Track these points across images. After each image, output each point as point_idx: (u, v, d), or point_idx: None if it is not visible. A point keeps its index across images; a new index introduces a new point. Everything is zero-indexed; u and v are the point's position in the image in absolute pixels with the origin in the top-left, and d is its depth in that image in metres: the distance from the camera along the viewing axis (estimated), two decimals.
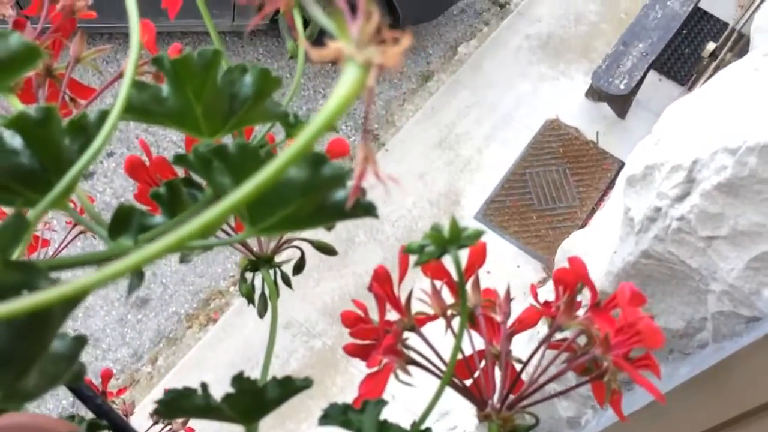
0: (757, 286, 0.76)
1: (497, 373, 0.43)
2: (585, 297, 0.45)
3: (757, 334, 0.77)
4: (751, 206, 0.73)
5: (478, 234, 0.36)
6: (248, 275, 0.56)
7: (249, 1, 0.24)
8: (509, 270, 3.38)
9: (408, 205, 3.54)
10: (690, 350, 0.94)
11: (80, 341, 0.25)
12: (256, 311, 0.57)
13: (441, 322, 0.45)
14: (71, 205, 0.30)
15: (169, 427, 0.81)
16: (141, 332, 3.18)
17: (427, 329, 0.45)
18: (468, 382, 0.43)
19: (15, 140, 0.26)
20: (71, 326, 2.81)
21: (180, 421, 0.80)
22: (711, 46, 3.63)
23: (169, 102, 0.31)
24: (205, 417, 0.34)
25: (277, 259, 0.56)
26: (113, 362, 3.09)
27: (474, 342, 0.44)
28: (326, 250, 0.58)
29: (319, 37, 0.32)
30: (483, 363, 0.44)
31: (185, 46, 0.35)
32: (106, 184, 3.42)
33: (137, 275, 0.29)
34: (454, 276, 0.39)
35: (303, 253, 0.60)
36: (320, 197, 0.27)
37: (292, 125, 0.41)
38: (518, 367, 0.44)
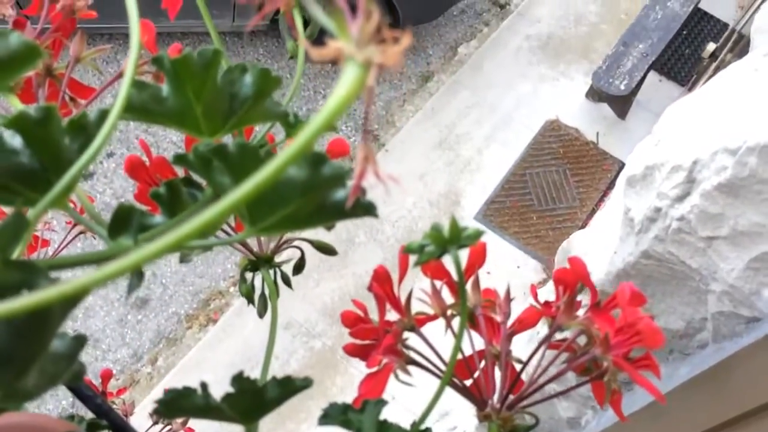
0: (757, 287, 0.76)
1: (497, 373, 0.43)
2: (585, 297, 0.45)
3: (757, 335, 0.77)
4: (751, 206, 0.73)
5: (478, 234, 0.36)
6: (248, 275, 0.56)
7: (249, 0, 0.24)
8: (509, 270, 3.38)
9: (408, 206, 3.54)
10: (690, 350, 0.94)
11: (80, 341, 0.25)
12: (256, 311, 0.57)
13: (441, 322, 0.45)
14: (71, 204, 0.30)
15: (168, 427, 0.81)
16: (141, 333, 3.18)
17: (427, 329, 0.45)
18: (468, 382, 0.43)
19: (15, 140, 0.26)
20: (71, 327, 2.81)
21: (180, 421, 0.80)
22: (711, 46, 3.63)
23: (169, 101, 0.31)
24: (205, 417, 0.34)
25: (277, 259, 0.56)
26: (113, 363, 3.09)
27: (474, 342, 0.44)
28: (326, 250, 0.58)
29: (319, 37, 0.32)
30: (483, 363, 0.44)
31: (185, 47, 0.35)
32: (106, 184, 3.42)
33: (137, 275, 0.29)
34: (454, 276, 0.39)
35: (303, 253, 0.60)
36: (320, 197, 0.27)
37: (292, 125, 0.40)
38: (518, 367, 0.44)
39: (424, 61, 4.09)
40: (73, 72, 0.44)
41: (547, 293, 0.48)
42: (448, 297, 0.45)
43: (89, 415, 0.37)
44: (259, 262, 0.54)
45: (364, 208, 0.28)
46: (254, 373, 0.34)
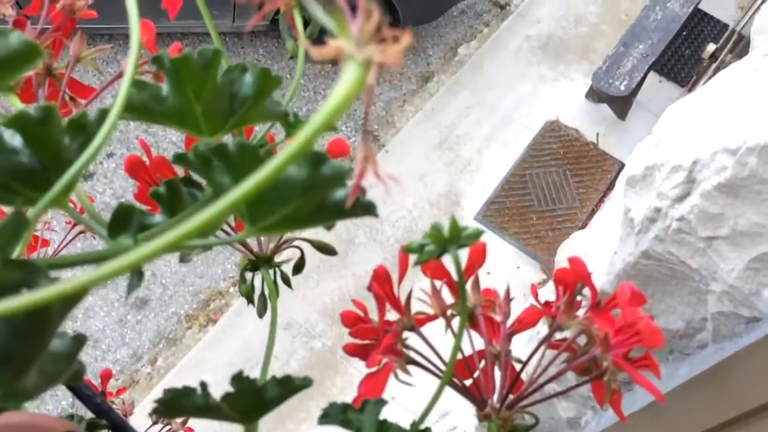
0: (757, 287, 0.76)
1: (497, 373, 0.43)
2: (585, 297, 0.45)
3: (757, 335, 0.77)
4: (751, 206, 0.73)
5: (478, 233, 0.36)
6: (248, 275, 0.56)
7: (249, 0, 0.24)
8: (509, 271, 3.38)
9: (408, 206, 3.54)
10: (690, 350, 0.94)
11: (79, 340, 0.25)
12: (255, 312, 0.57)
13: (441, 322, 0.45)
14: (71, 204, 0.30)
15: (168, 427, 0.81)
16: (140, 333, 3.18)
17: (427, 329, 0.45)
18: (468, 382, 0.43)
19: (15, 139, 0.26)
20: (71, 327, 2.81)
21: (179, 420, 0.80)
22: (711, 47, 3.63)
23: (169, 101, 0.31)
24: (205, 416, 0.34)
25: (277, 259, 0.56)
26: (113, 363, 3.09)
27: (474, 342, 0.44)
28: (326, 250, 0.58)
29: (319, 37, 0.32)
30: (483, 363, 0.44)
31: (185, 47, 0.35)
32: (106, 184, 3.42)
33: (136, 275, 0.29)
34: (454, 276, 0.39)
35: (303, 253, 0.60)
36: (320, 196, 0.27)
37: (292, 125, 0.40)
38: (518, 367, 0.44)
39: (424, 62, 4.09)
40: (73, 72, 0.44)
41: (547, 293, 0.48)
42: (448, 297, 0.45)
43: (89, 414, 0.37)
44: (259, 262, 0.54)
45: (364, 208, 0.28)
46: (254, 373, 0.34)
